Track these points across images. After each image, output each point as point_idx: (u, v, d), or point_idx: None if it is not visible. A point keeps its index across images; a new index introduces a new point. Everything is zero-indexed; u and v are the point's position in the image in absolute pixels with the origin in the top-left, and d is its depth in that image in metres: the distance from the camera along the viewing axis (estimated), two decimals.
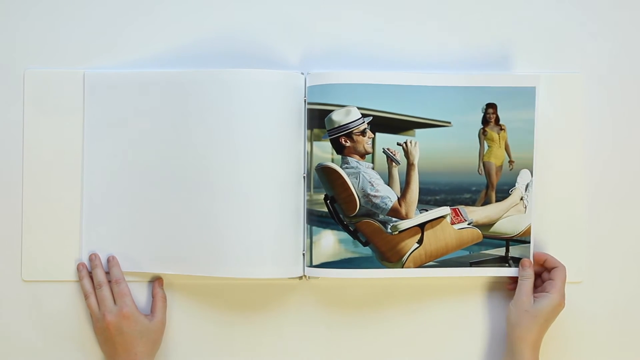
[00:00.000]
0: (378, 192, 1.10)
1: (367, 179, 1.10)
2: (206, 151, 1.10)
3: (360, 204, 1.10)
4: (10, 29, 1.15)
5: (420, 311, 1.15)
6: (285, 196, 1.11)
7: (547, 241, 1.14)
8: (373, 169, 1.10)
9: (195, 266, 1.10)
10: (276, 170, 1.10)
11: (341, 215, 1.10)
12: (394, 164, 1.10)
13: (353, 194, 1.10)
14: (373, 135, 1.10)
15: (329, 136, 1.10)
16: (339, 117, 1.09)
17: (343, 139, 1.10)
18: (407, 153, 1.10)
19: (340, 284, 1.14)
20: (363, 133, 1.10)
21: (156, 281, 1.12)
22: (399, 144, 1.11)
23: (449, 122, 1.11)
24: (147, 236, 1.11)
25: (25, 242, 1.13)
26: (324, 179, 1.10)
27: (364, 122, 1.10)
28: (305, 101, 1.12)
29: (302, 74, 1.13)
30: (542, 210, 1.14)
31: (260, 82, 1.10)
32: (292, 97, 1.12)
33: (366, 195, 1.10)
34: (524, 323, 1.06)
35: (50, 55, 1.15)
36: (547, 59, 1.17)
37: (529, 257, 1.11)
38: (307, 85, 1.12)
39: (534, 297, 1.07)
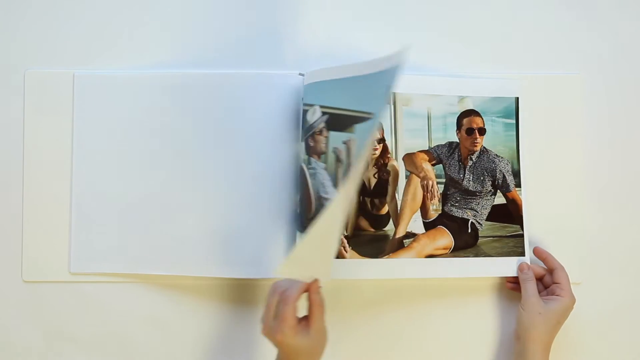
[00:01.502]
0: (327, 194, 1.09)
1: (320, 180, 1.09)
2: (202, 153, 1.11)
3: (314, 206, 1.09)
4: (12, 29, 1.16)
5: (422, 310, 1.15)
6: (284, 196, 1.11)
7: (546, 242, 1.14)
8: (325, 169, 1.09)
9: (194, 267, 1.10)
10: (275, 170, 1.11)
11: (303, 218, 1.10)
12: (339, 163, 1.08)
13: (310, 196, 1.09)
14: (327, 134, 1.09)
15: (303, 137, 1.10)
16: (309, 116, 1.09)
17: (310, 139, 1.10)
18: (348, 152, 1.08)
19: (339, 284, 1.14)
20: (321, 132, 1.09)
21: (312, 284, 0.97)
22: (344, 142, 1.08)
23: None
24: (144, 238, 1.11)
25: (25, 243, 1.13)
26: (299, 180, 1.11)
27: (322, 120, 1.09)
28: (303, 101, 1.12)
29: (301, 74, 1.13)
30: (542, 212, 1.14)
31: (257, 84, 1.11)
32: (291, 98, 1.12)
33: (319, 197, 1.09)
34: (536, 325, 1.06)
35: (51, 56, 1.16)
36: (545, 59, 1.17)
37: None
38: (304, 85, 1.12)
39: (544, 299, 1.08)
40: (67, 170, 1.13)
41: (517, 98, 1.14)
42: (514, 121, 1.14)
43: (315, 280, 0.97)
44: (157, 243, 1.11)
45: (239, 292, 1.14)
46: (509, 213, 1.14)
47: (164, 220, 1.11)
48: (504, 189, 1.14)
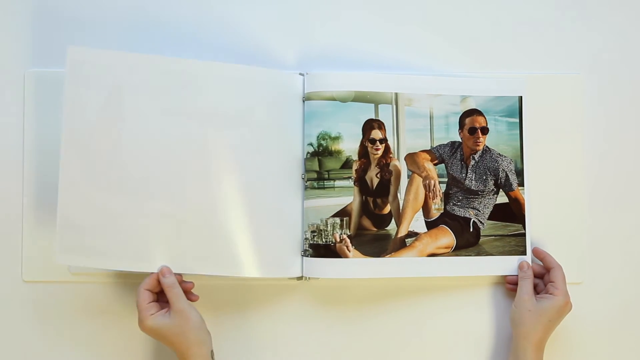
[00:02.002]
0: None
1: None
2: (201, 152, 1.10)
3: None
4: (12, 29, 1.16)
5: (424, 309, 1.15)
6: (285, 196, 1.11)
7: (546, 242, 1.14)
8: None
9: (194, 266, 1.09)
10: (275, 169, 1.11)
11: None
12: None
13: None
14: None
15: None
16: None
17: None
18: None
19: (340, 284, 1.14)
20: None
21: (160, 271, 1.05)
22: None
23: None
24: (145, 237, 1.10)
25: (25, 243, 1.13)
26: None
27: None
28: (303, 101, 1.12)
29: (301, 74, 1.13)
30: (542, 212, 1.14)
31: (257, 81, 1.10)
32: (291, 97, 1.12)
33: None
34: (527, 322, 1.06)
35: (51, 56, 1.15)
36: (546, 59, 1.18)
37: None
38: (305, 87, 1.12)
39: (537, 297, 1.08)
40: None
41: (521, 97, 1.14)
42: (517, 120, 1.14)
43: (164, 267, 1.05)
44: (157, 243, 1.10)
45: (238, 291, 1.14)
46: (511, 212, 1.14)
47: (163, 219, 1.10)
48: (507, 188, 1.14)
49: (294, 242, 1.11)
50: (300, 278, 1.12)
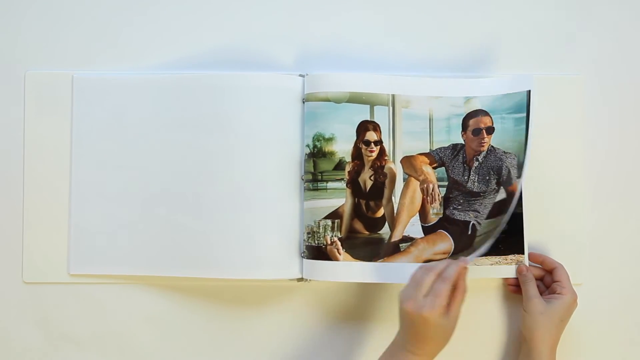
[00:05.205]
0: None
1: None
2: (202, 154, 1.11)
3: None
4: (12, 31, 1.17)
5: None
6: (285, 198, 1.10)
7: (547, 243, 1.13)
8: None
9: (194, 268, 1.10)
10: (275, 171, 1.10)
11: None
12: None
13: None
14: None
15: None
16: None
17: None
18: None
19: (340, 286, 1.13)
20: None
21: (463, 269, 0.99)
22: None
23: None
24: (143, 239, 1.12)
25: (26, 244, 1.14)
26: None
27: None
28: (304, 102, 1.11)
29: (301, 75, 1.13)
30: (543, 213, 1.13)
31: (257, 86, 1.11)
32: (291, 99, 1.11)
33: None
34: (540, 325, 1.05)
35: (51, 57, 1.16)
36: (547, 60, 1.17)
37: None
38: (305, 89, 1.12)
39: (545, 299, 1.07)
40: (66, 171, 1.14)
41: (529, 91, 1.10)
42: (524, 115, 1.09)
43: (466, 267, 1.00)
44: (157, 244, 1.11)
45: (239, 293, 1.14)
46: (507, 208, 1.09)
47: (163, 221, 1.11)
48: (507, 184, 1.10)
49: (294, 243, 1.10)
50: (300, 279, 1.11)
